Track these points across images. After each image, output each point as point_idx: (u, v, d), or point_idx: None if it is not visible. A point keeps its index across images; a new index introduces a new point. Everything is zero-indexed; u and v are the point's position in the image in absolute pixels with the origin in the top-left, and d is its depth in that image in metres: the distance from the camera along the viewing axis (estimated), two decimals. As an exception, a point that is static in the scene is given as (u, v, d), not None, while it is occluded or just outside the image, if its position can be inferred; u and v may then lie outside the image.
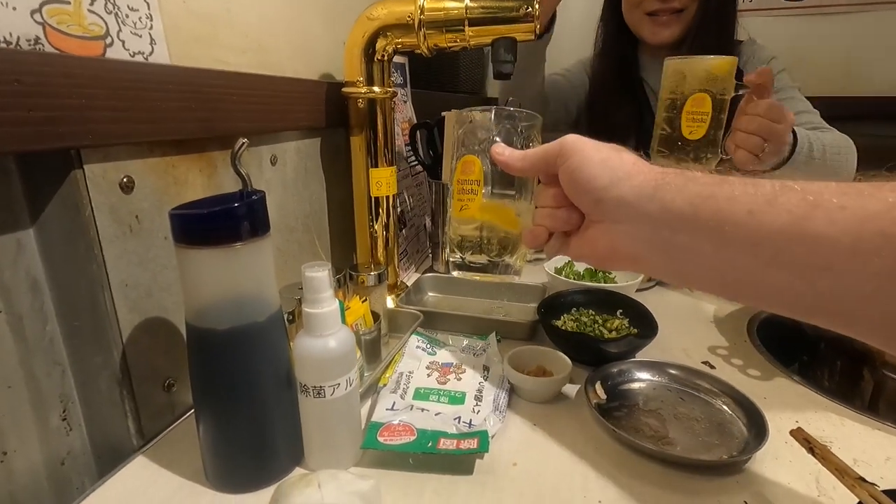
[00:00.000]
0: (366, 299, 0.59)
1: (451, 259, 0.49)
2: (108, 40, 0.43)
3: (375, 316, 0.59)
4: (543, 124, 0.49)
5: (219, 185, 0.53)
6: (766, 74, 0.64)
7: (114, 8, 0.43)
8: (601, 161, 0.34)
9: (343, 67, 0.67)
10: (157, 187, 0.45)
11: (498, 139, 0.45)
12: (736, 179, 0.28)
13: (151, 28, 0.47)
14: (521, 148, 0.44)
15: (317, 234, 0.74)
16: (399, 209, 0.92)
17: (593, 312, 0.67)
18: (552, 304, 0.68)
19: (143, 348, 0.45)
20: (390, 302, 0.74)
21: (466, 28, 0.60)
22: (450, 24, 0.61)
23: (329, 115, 0.72)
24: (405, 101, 1.00)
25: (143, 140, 0.43)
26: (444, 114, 0.76)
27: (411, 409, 0.48)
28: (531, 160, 0.40)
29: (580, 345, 0.59)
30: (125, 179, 0.42)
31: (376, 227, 0.72)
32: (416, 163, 0.94)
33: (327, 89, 0.71)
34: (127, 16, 0.44)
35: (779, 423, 0.49)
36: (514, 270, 0.49)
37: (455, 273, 0.50)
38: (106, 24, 0.43)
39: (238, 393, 0.38)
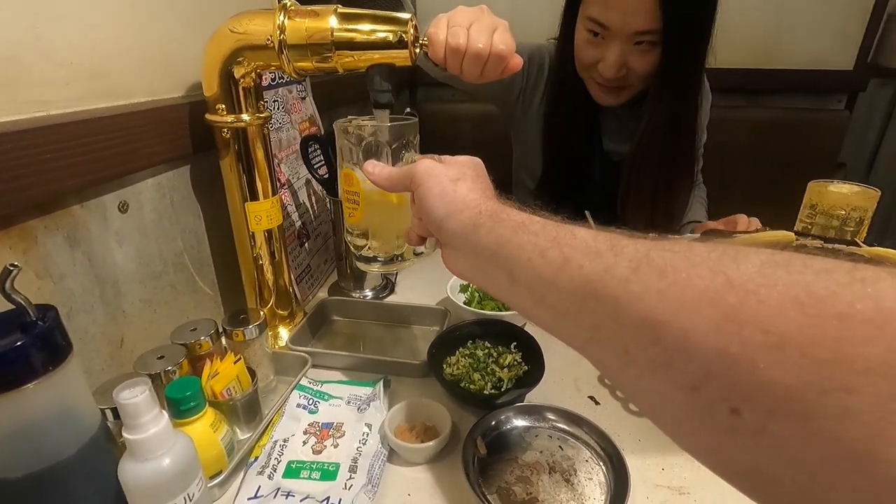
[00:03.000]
0: (240, 358, 0.55)
1: (353, 254, 0.54)
2: None
3: (253, 373, 0.56)
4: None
5: (43, 256, 0.46)
6: None
7: None
8: (439, 194, 0.38)
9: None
10: (-55, 288, 0.39)
11: (364, 154, 0.49)
12: (532, 224, 0.31)
13: (-85, 87, 0.39)
14: (390, 160, 0.49)
15: (196, 270, 0.68)
16: (300, 222, 0.87)
17: (489, 345, 0.66)
18: (448, 338, 0.66)
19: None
20: (284, 334, 0.71)
21: (334, 52, 0.53)
22: (314, 47, 0.53)
23: (197, 138, 0.64)
24: (303, 98, 0.91)
25: None
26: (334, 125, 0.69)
27: (276, 494, 0.46)
28: (394, 181, 0.43)
29: (465, 396, 0.59)
30: None
31: (263, 262, 0.67)
32: (319, 164, 0.88)
33: (191, 110, 0.63)
34: None
35: (644, 474, 0.51)
36: (408, 259, 0.53)
37: (358, 265, 0.55)
38: None
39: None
